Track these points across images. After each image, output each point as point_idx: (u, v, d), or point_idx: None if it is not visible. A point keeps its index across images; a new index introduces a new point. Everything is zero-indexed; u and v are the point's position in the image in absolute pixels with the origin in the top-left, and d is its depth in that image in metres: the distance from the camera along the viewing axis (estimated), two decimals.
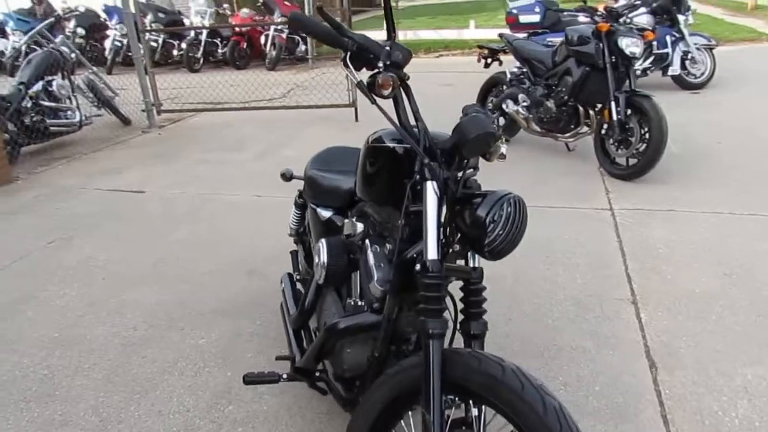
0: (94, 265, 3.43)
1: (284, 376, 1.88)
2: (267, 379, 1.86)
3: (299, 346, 2.10)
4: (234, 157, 5.44)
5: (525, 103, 4.93)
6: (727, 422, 2.02)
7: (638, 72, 7.00)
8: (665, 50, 6.92)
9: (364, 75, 1.48)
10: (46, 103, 5.79)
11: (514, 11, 7.98)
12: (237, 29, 10.69)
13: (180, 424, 2.15)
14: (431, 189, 1.47)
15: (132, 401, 2.28)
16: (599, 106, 4.43)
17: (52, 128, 5.81)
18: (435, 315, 1.42)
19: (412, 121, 1.56)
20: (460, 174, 1.56)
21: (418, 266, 1.48)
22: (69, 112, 6.01)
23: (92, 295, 3.07)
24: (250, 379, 1.86)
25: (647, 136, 4.12)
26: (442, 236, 1.50)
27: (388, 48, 1.46)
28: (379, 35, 1.63)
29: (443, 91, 7.83)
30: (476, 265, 1.58)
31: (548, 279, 3.00)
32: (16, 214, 4.28)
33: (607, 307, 2.72)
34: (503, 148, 1.96)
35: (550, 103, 4.70)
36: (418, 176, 1.49)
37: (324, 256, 1.79)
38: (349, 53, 1.46)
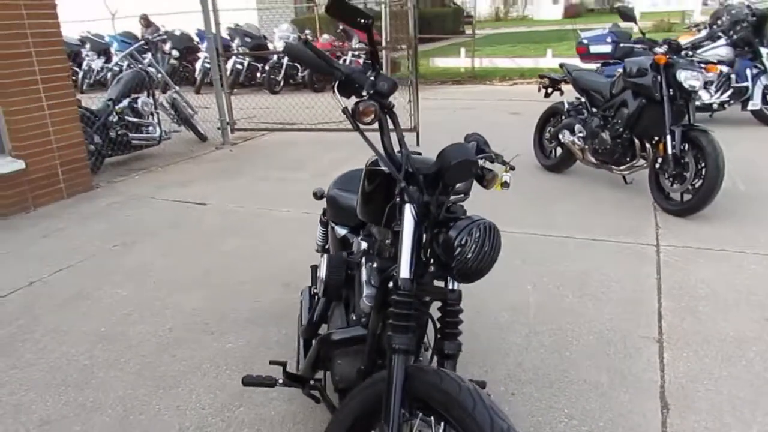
0: (148, 269, 3.70)
1: (280, 381, 1.98)
2: (264, 382, 1.96)
3: (305, 355, 2.20)
4: (293, 176, 5.69)
5: (581, 134, 4.87)
6: None
7: (715, 106, 6.74)
8: (745, 84, 6.62)
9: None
10: (131, 119, 6.29)
11: (585, 41, 7.88)
12: None
13: (194, 420, 2.30)
14: (408, 211, 1.54)
15: (155, 396, 2.45)
16: (656, 139, 4.31)
17: (134, 142, 6.30)
18: (401, 331, 1.48)
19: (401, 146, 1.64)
20: (446, 198, 1.62)
21: (391, 284, 1.55)
22: (150, 128, 6.49)
23: (140, 297, 3.32)
24: (248, 381, 1.98)
25: (703, 171, 3.97)
26: (420, 257, 1.56)
27: (372, 78, 1.56)
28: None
29: (510, 119, 7.83)
30: (454, 288, 1.63)
31: (575, 311, 2.95)
32: (90, 219, 4.68)
33: (630, 344, 2.65)
34: (507, 177, 2.02)
35: (606, 135, 4.62)
36: (398, 199, 1.57)
37: (323, 270, 1.90)
38: (337, 82, 1.57)
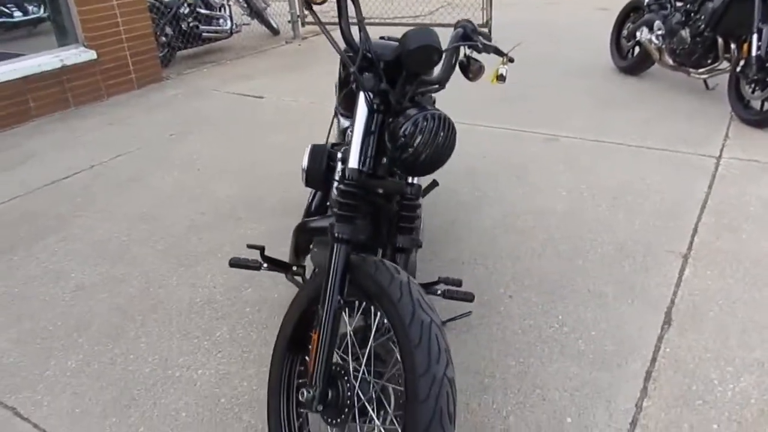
0: (197, 157, 3.87)
1: (265, 265, 2.06)
2: (250, 265, 2.05)
3: None
4: None
5: (659, 31, 4.41)
6: (718, 392, 1.83)
7: None
8: None
9: None
10: (202, 11, 6.37)
11: None
12: None
13: (204, 296, 2.46)
14: (362, 100, 1.49)
15: (176, 272, 2.64)
16: (740, 39, 3.82)
17: (204, 34, 6.41)
18: (343, 220, 1.48)
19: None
20: (410, 88, 1.54)
21: (338, 174, 1.53)
22: (221, 20, 6.55)
23: (183, 183, 3.50)
24: (234, 263, 2.07)
25: None
26: (374, 148, 1.52)
27: None
28: None
29: (596, 16, 7.19)
30: (413, 182, 1.58)
31: (602, 221, 2.81)
32: (154, 109, 4.90)
33: (651, 258, 2.51)
34: (504, 70, 1.90)
35: (686, 33, 4.15)
36: (354, 86, 1.52)
37: (305, 160, 1.90)
38: None
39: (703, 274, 2.39)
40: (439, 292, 2.07)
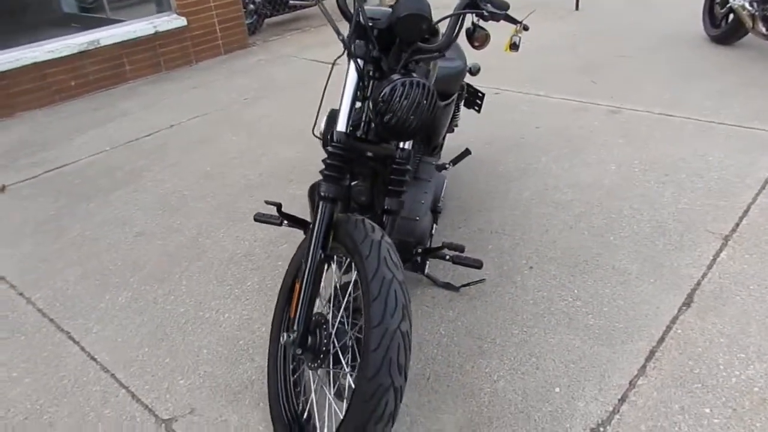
0: (265, 121, 4.08)
1: (285, 222, 2.19)
2: (271, 221, 2.19)
3: None
4: None
5: None
6: (721, 378, 1.77)
7: None
8: None
9: None
10: None
11: None
12: None
13: (245, 249, 2.66)
14: (352, 66, 1.56)
15: (224, 226, 2.86)
16: None
17: (291, 1, 6.59)
18: (329, 180, 1.58)
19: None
20: (405, 55, 1.59)
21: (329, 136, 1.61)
22: None
23: (248, 145, 3.73)
24: (258, 218, 2.22)
25: None
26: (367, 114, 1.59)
27: None
28: None
29: None
30: (404, 147, 1.64)
31: (646, 197, 2.71)
32: (236, 74, 5.18)
33: (689, 237, 2.40)
34: (517, 39, 1.90)
35: None
36: (346, 53, 1.59)
37: (323, 124, 2.01)
38: None
39: (741, 258, 2.26)
40: (447, 257, 2.13)
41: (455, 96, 2.46)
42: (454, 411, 1.75)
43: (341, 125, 1.59)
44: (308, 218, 2.28)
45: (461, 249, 1.96)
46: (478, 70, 2.71)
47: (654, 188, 2.78)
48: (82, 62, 4.76)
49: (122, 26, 5.04)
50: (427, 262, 2.19)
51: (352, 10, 1.60)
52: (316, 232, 1.55)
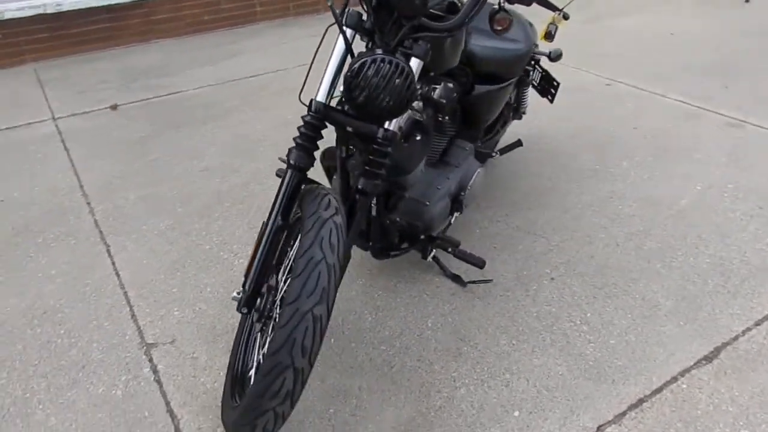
0: None
1: None
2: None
3: None
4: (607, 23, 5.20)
5: None
6: None
7: None
8: None
9: None
10: None
11: None
12: None
13: None
14: (340, 38, 1.50)
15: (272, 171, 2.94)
16: None
17: None
18: (299, 149, 1.55)
19: None
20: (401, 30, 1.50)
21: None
22: None
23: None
24: (278, 173, 2.24)
25: None
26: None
27: None
28: None
29: None
30: (388, 128, 1.55)
31: (721, 228, 2.36)
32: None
33: (749, 285, 2.07)
34: (553, 28, 1.73)
35: None
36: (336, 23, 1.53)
37: None
38: None
39: None
40: (449, 249, 2.04)
41: (512, 80, 2.28)
42: (402, 407, 1.70)
43: (321, 95, 1.55)
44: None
45: (456, 243, 1.86)
46: (559, 56, 2.48)
47: (736, 220, 2.41)
48: None
49: None
50: (434, 250, 2.10)
51: None
52: (278, 200, 1.55)
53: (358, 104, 1.45)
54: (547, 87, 2.62)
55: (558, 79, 2.58)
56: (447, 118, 2.06)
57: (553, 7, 1.61)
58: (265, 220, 1.57)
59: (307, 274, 1.33)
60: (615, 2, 5.66)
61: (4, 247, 2.45)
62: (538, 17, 2.22)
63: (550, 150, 2.99)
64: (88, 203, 2.75)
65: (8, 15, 4.35)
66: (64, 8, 4.51)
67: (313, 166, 1.59)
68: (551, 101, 2.66)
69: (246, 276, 1.57)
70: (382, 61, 1.42)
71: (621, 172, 2.79)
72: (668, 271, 2.16)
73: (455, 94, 1.98)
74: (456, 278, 2.15)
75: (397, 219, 1.96)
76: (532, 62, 2.62)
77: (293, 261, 1.37)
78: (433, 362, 1.84)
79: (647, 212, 2.49)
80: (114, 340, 1.97)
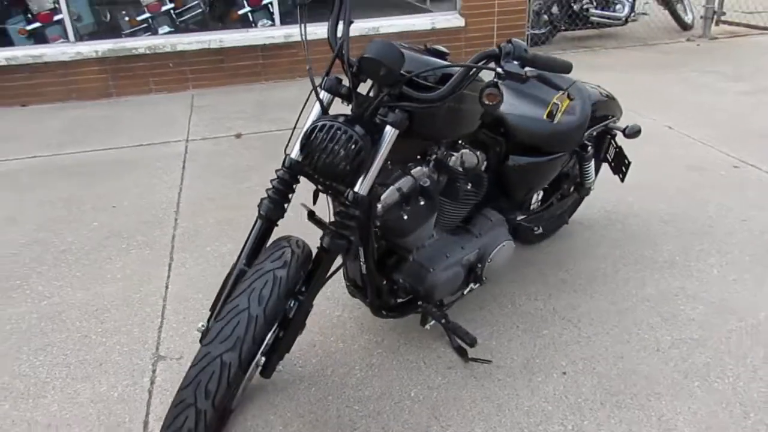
0: None
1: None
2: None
3: None
4: (725, 86, 4.71)
5: None
6: None
7: None
8: None
9: None
10: None
11: None
12: None
13: None
14: (318, 98, 1.55)
15: None
16: None
17: (594, 18, 6.22)
18: (270, 201, 1.65)
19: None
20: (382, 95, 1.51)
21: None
22: (618, 6, 6.23)
23: None
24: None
25: None
26: None
27: None
28: None
29: None
30: (357, 191, 1.54)
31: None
32: None
33: None
34: (554, 108, 1.67)
35: None
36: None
37: None
38: None
39: None
40: (443, 321, 1.96)
41: (559, 155, 2.13)
42: None
43: (294, 152, 1.60)
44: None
45: (473, 342, 1.80)
46: (636, 132, 2.29)
47: None
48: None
49: (404, 18, 5.48)
50: (431, 320, 2.02)
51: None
52: (245, 246, 1.64)
53: (309, 164, 1.50)
54: (620, 163, 2.41)
55: (630, 158, 2.37)
56: (470, 185, 1.99)
57: (556, 87, 1.51)
58: (234, 262, 1.66)
59: (227, 321, 1.38)
60: None
61: (95, 247, 2.84)
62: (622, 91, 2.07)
63: (631, 231, 2.72)
64: (176, 219, 3.07)
65: (180, 47, 5.06)
66: (226, 45, 5.13)
67: (282, 217, 1.66)
68: (622, 180, 2.44)
69: (211, 311, 1.67)
70: (331, 127, 1.44)
71: (703, 268, 2.45)
72: (705, 393, 1.84)
73: (477, 163, 1.92)
74: (460, 351, 2.05)
75: (400, 280, 1.94)
76: (608, 136, 2.44)
77: (223, 304, 1.43)
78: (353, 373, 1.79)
79: (713, 319, 2.15)
80: (135, 346, 2.18)
